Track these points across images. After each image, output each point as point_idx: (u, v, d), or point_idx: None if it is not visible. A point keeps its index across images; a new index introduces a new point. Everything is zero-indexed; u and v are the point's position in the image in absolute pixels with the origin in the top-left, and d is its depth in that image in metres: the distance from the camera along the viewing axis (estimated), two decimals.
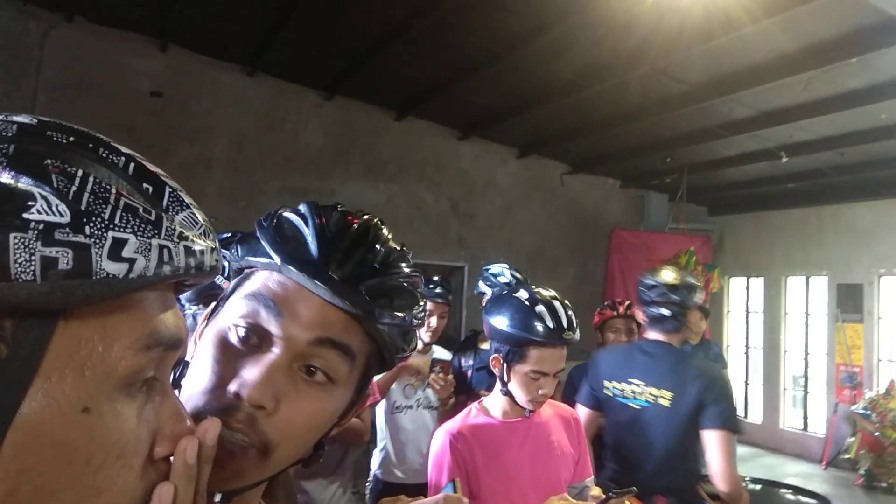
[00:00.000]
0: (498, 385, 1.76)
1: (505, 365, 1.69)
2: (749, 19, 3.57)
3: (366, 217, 0.72)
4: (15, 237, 0.34)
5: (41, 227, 0.35)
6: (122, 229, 0.38)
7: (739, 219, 8.17)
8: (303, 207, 0.69)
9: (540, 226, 7.09)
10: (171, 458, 0.45)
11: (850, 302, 7.09)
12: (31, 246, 0.35)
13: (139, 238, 0.39)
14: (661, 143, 6.08)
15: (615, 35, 3.99)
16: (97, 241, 0.37)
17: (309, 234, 0.67)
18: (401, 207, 6.14)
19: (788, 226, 7.67)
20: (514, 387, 1.69)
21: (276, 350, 0.61)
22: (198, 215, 0.45)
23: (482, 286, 3.11)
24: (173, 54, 4.92)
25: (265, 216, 0.70)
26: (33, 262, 0.34)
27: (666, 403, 2.20)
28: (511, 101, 5.39)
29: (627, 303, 3.32)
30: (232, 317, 0.63)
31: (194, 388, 0.60)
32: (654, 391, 2.24)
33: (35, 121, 0.40)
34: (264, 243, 0.66)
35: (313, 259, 0.65)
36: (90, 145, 0.41)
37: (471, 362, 3.15)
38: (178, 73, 4.99)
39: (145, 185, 0.42)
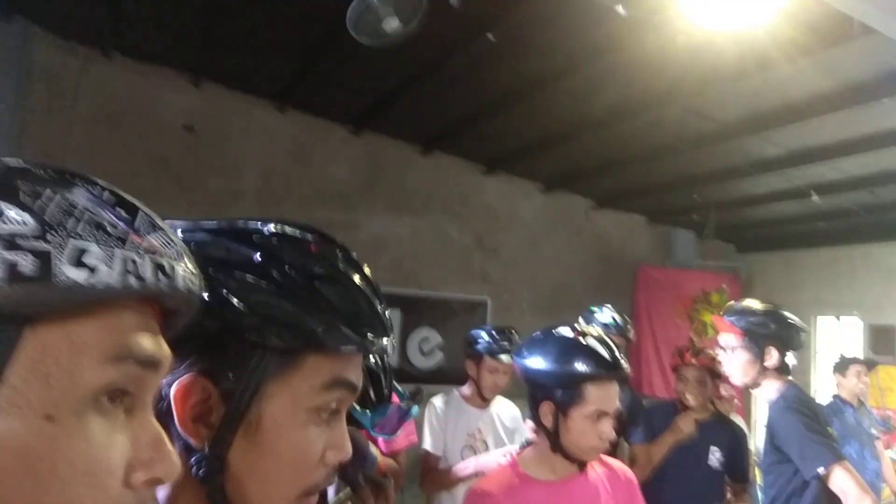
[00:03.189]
0: (542, 441, 1.59)
1: (559, 413, 1.53)
2: (784, 58, 3.54)
3: None
4: None
5: (4, 235, 0.36)
6: (83, 238, 0.39)
7: (768, 257, 8.02)
8: None
9: (564, 261, 7.01)
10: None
11: (882, 343, 6.86)
12: None
13: (102, 247, 0.39)
14: (690, 180, 6.01)
15: (647, 74, 3.97)
16: (58, 247, 0.37)
17: None
18: (425, 241, 6.12)
19: (818, 265, 7.51)
20: (572, 437, 1.53)
21: None
22: (173, 239, 0.46)
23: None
24: (206, 89, 4.99)
25: None
26: None
27: None
28: (538, 137, 5.37)
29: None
30: None
31: None
32: None
33: (23, 163, 0.41)
34: None
35: None
36: (68, 176, 0.42)
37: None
38: (211, 107, 5.05)
39: (118, 208, 0.43)
